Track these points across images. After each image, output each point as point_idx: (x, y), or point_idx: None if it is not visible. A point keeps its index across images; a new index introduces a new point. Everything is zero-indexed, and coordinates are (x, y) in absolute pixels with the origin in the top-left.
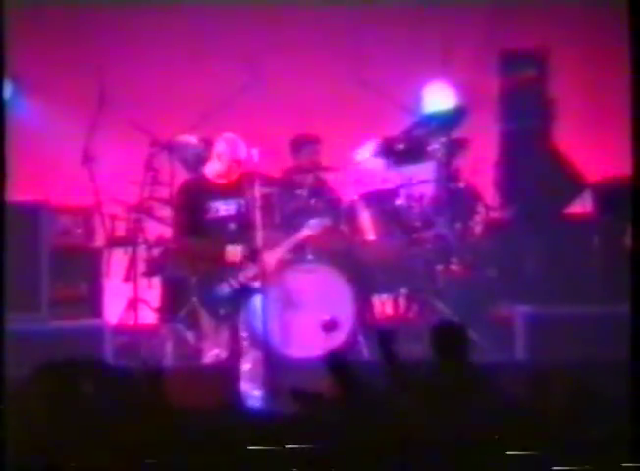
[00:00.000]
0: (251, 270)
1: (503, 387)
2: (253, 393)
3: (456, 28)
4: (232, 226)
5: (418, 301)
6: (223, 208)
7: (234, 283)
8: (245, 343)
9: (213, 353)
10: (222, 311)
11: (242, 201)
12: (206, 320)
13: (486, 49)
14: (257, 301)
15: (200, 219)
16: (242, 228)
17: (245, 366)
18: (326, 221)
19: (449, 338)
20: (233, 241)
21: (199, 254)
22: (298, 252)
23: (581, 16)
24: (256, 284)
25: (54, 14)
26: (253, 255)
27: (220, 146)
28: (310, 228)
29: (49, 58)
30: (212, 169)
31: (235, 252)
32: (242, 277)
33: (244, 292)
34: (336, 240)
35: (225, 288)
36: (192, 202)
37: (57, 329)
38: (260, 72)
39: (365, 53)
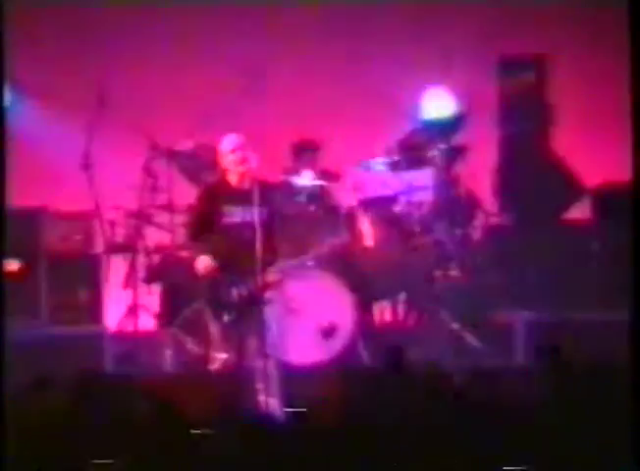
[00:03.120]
0: (262, 278)
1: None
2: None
3: (455, 34)
4: (246, 233)
5: (417, 307)
6: (239, 214)
7: (243, 290)
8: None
9: (221, 358)
10: (226, 317)
11: (258, 209)
12: (212, 324)
13: (485, 55)
14: (265, 310)
15: (216, 222)
16: (256, 235)
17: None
18: (345, 238)
19: None
20: (246, 248)
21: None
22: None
23: (580, 20)
24: (266, 292)
25: (53, 18)
26: (265, 264)
27: (225, 147)
28: (329, 245)
29: (48, 63)
30: (230, 174)
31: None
32: (252, 284)
33: (253, 300)
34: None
35: (233, 294)
36: (210, 205)
37: (56, 335)
38: (260, 75)
39: (365, 59)
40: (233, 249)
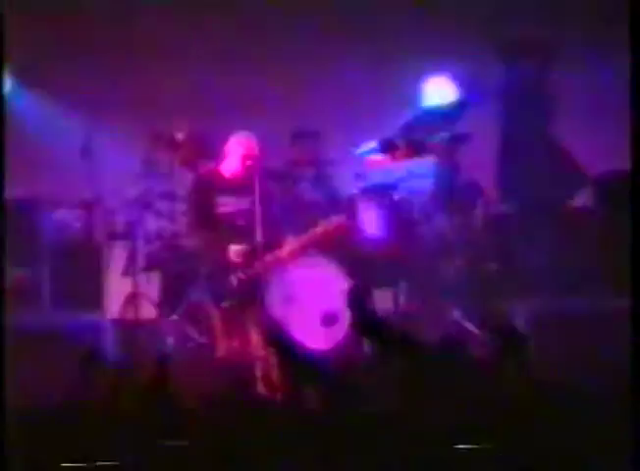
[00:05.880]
0: (259, 264)
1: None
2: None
3: (459, 23)
4: (241, 221)
5: (418, 296)
6: (233, 203)
7: (241, 276)
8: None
9: (224, 346)
10: (225, 303)
11: (252, 197)
12: (213, 312)
13: (488, 44)
14: (264, 295)
15: (211, 213)
16: (252, 223)
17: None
18: (341, 218)
19: None
20: (241, 236)
21: (209, 248)
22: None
23: (583, 12)
24: (263, 278)
25: (53, 8)
26: (262, 250)
27: (232, 143)
28: (325, 225)
29: (48, 51)
30: (225, 165)
31: (238, 250)
32: (250, 271)
33: (252, 286)
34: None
35: (232, 281)
36: (205, 196)
37: (57, 324)
38: (259, 63)
39: (367, 46)
40: (231, 238)
